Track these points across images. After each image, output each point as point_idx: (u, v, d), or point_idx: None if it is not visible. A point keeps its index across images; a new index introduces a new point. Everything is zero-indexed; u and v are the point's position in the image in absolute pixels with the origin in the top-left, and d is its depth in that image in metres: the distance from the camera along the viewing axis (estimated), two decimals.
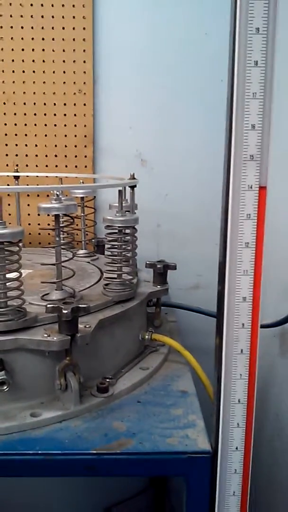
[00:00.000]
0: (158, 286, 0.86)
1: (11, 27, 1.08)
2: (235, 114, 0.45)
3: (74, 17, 1.08)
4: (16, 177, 1.07)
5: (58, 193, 0.68)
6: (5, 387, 0.61)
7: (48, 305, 0.63)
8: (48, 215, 0.69)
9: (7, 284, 0.64)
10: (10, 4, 1.07)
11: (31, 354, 0.63)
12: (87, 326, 0.65)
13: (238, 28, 0.44)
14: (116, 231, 0.76)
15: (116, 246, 0.77)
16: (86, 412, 0.64)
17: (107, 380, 0.69)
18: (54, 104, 1.12)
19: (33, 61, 1.10)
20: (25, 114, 1.12)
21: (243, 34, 0.43)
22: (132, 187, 0.82)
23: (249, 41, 0.44)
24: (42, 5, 1.07)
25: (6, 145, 1.14)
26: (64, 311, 0.61)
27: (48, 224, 1.12)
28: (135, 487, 0.86)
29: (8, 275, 0.63)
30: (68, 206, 0.67)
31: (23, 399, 0.64)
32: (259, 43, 0.43)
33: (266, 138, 0.46)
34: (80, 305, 0.63)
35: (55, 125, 1.13)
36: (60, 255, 0.70)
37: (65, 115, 1.12)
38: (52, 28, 1.08)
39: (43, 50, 1.09)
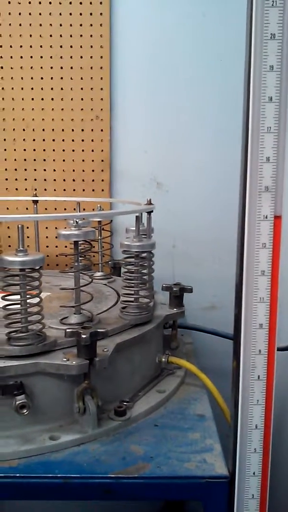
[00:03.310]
0: (175, 309, 0.87)
1: (31, 56, 1.12)
2: (250, 148, 0.47)
3: (91, 46, 1.11)
4: (35, 201, 1.09)
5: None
6: (25, 411, 0.62)
7: (67, 330, 0.64)
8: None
9: (28, 309, 0.65)
10: (30, 35, 1.11)
11: (50, 377, 0.64)
12: (105, 350, 0.66)
13: (253, 65, 0.45)
14: (133, 255, 0.77)
15: (133, 271, 0.78)
16: (104, 436, 0.65)
17: (125, 403, 0.70)
18: (72, 130, 1.15)
19: (52, 89, 1.13)
20: (43, 140, 1.16)
21: (258, 72, 0.45)
22: (149, 212, 0.83)
23: (264, 77, 0.45)
24: (61, 35, 1.11)
25: (25, 170, 1.17)
26: (83, 336, 0.62)
27: (66, 247, 1.15)
28: (150, 509, 0.85)
29: (29, 300, 0.65)
30: (87, 232, 0.69)
31: (42, 422, 0.65)
32: (273, 79, 0.45)
33: (280, 169, 0.48)
34: (98, 330, 0.64)
35: (73, 150, 1.16)
36: (78, 280, 0.71)
37: (82, 140, 1.15)
38: (71, 57, 1.12)
39: (62, 78, 1.13)
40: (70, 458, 0.61)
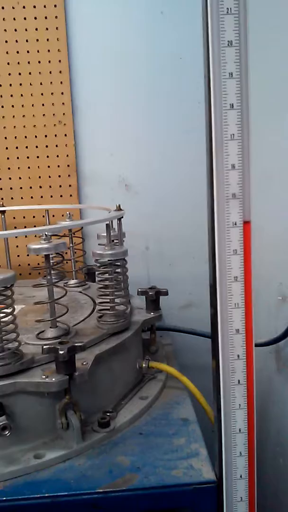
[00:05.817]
0: (152, 313, 0.86)
1: None
2: (215, 156, 0.47)
3: (49, 50, 1.09)
4: (2, 212, 1.07)
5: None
6: (7, 432, 0.61)
7: (44, 347, 0.63)
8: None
9: (3, 328, 0.64)
10: None
11: (30, 395, 0.63)
12: (84, 363, 0.65)
13: (212, 72, 0.45)
14: (106, 264, 0.76)
15: (107, 279, 0.77)
16: (89, 449, 0.65)
17: (108, 414, 0.69)
18: (35, 136, 1.13)
19: (11, 96, 1.11)
20: (6, 148, 1.13)
21: (218, 80, 0.45)
22: (119, 218, 0.83)
23: (224, 85, 0.45)
24: (16, 41, 1.08)
25: None
26: (61, 352, 0.61)
27: (37, 255, 1.13)
28: None
29: (3, 319, 0.63)
30: (57, 245, 0.68)
31: (25, 441, 0.64)
32: (233, 87, 0.45)
33: (247, 176, 0.47)
34: (76, 344, 0.63)
35: (37, 157, 1.14)
36: (52, 293, 0.70)
37: (46, 146, 1.13)
38: (28, 62, 1.10)
39: (21, 84, 1.11)
40: (57, 476, 0.60)
